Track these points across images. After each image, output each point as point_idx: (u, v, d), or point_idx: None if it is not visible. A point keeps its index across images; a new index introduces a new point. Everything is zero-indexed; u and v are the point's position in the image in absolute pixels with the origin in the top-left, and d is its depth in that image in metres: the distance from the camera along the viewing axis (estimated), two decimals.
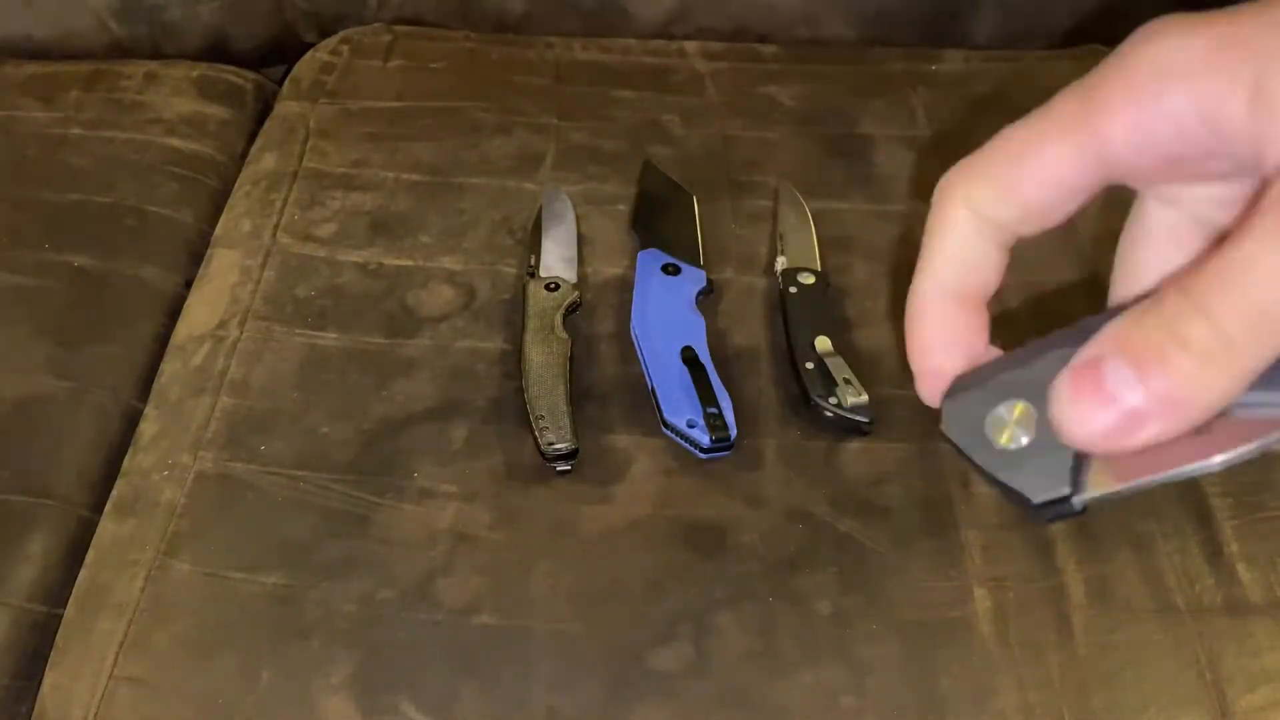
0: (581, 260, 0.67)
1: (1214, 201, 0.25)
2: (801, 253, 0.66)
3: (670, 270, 0.64)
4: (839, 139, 0.76)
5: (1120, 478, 0.24)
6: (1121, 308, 0.23)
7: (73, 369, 0.62)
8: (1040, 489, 0.25)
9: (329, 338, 0.62)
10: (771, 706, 0.48)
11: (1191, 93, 0.22)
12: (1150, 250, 0.27)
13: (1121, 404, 0.22)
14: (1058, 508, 0.25)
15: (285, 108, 0.80)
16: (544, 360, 0.59)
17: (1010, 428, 0.25)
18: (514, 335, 0.61)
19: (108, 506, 0.56)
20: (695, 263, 0.65)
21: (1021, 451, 0.25)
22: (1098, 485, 0.25)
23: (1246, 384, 0.22)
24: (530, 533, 0.54)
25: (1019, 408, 0.25)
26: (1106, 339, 0.22)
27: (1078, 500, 0.25)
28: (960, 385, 0.26)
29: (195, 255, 0.70)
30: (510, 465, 0.56)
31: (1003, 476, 0.25)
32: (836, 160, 0.74)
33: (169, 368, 0.62)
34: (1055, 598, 0.51)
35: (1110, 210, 0.58)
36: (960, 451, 0.26)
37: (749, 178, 0.73)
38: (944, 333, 0.26)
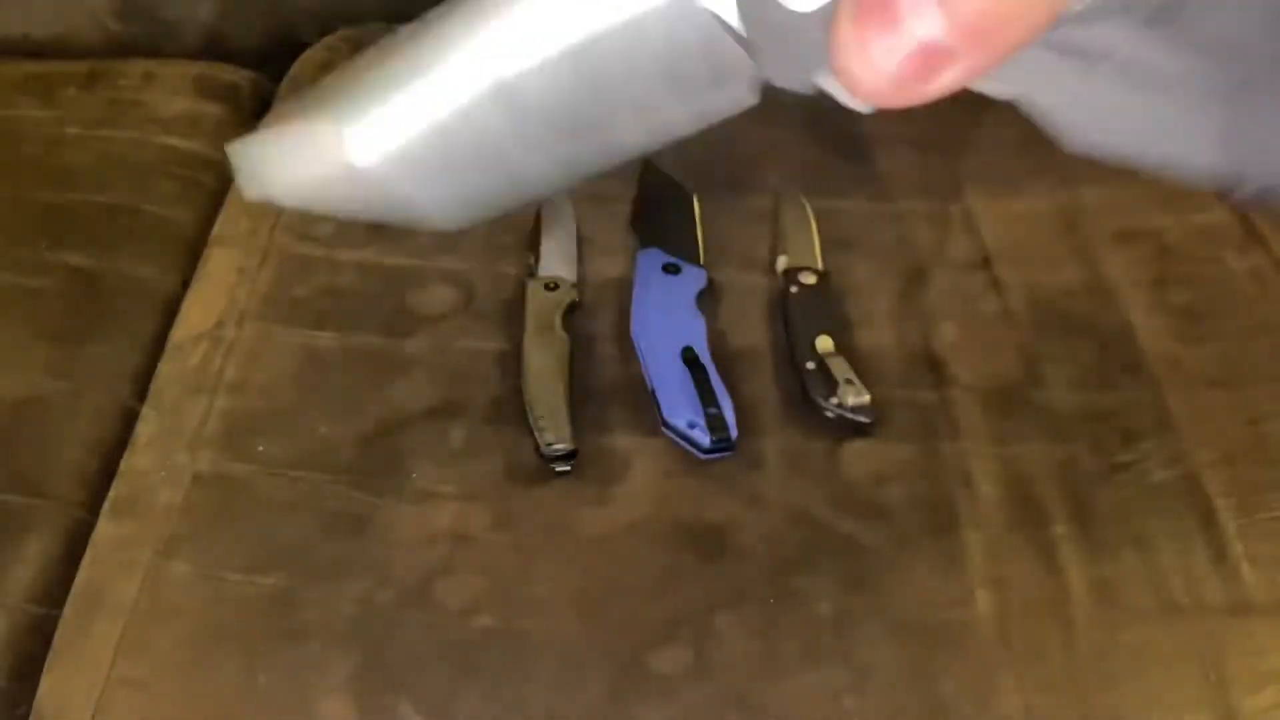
0: (581, 260, 0.66)
1: None
2: (802, 252, 0.66)
3: (670, 270, 0.64)
4: (840, 138, 0.76)
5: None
6: None
7: (70, 369, 0.62)
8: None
9: (327, 338, 0.62)
10: (772, 708, 0.48)
11: None
12: None
13: (912, 33, 0.18)
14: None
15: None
16: (544, 360, 0.58)
17: None
18: (513, 335, 0.61)
19: (105, 507, 0.56)
20: (695, 262, 0.65)
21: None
22: None
23: (1057, 15, 0.19)
24: (530, 534, 0.53)
25: None
26: None
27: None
28: None
29: (193, 255, 0.70)
30: (510, 466, 0.56)
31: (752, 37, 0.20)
32: (838, 159, 0.74)
33: (166, 368, 0.62)
34: (1058, 599, 0.51)
35: (1112, 212, 0.58)
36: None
37: (749, 177, 0.72)
38: None
